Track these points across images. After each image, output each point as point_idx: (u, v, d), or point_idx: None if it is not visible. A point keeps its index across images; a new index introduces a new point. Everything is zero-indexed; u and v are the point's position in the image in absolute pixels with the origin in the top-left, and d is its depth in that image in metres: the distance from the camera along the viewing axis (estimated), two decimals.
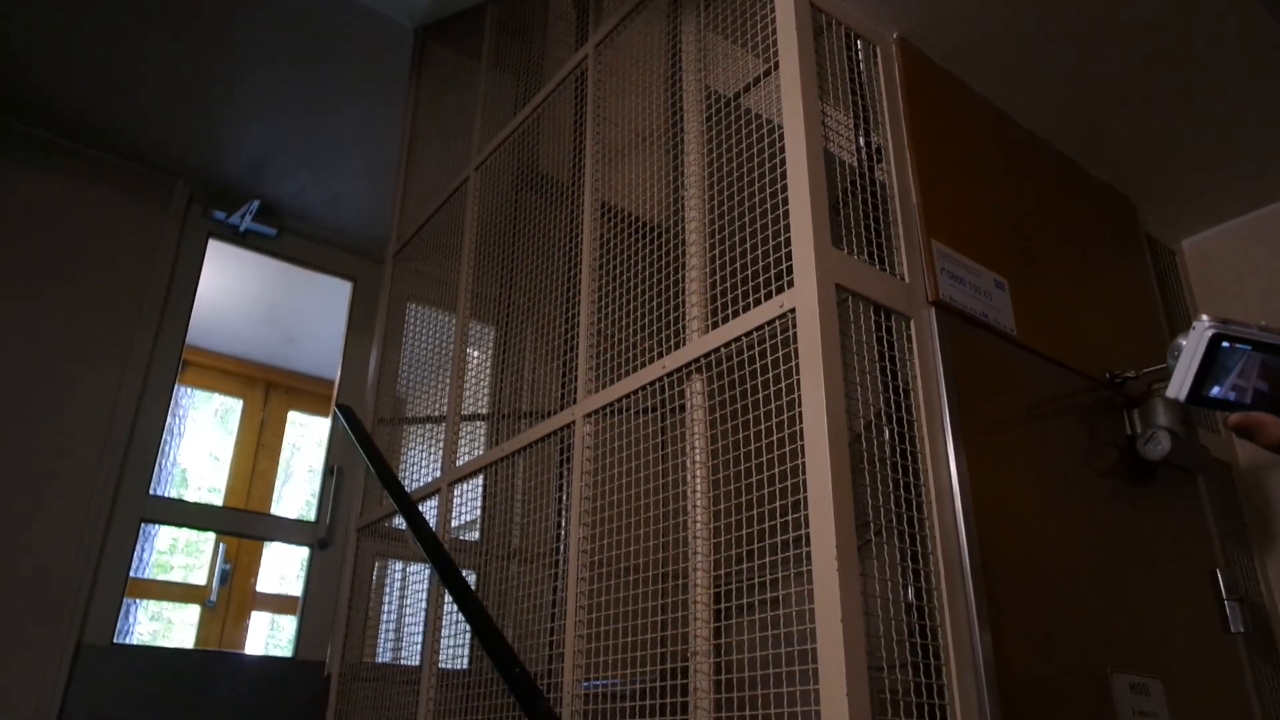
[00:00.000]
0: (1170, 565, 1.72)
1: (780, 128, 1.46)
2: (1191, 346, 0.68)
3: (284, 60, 3.03)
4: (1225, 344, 0.67)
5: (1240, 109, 1.90)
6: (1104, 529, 1.62)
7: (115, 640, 2.94)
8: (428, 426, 2.48)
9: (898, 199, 1.54)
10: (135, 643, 4.25)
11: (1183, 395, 0.68)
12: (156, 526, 4.03)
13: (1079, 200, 2.02)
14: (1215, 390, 0.68)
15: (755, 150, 1.50)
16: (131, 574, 3.07)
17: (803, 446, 1.24)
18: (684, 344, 1.53)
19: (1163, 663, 1.57)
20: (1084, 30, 1.72)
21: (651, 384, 1.58)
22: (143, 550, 4.56)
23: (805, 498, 1.21)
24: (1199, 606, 1.73)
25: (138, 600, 4.59)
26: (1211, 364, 0.67)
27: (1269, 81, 1.82)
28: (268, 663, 3.42)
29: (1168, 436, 1.70)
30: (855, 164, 1.55)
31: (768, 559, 1.28)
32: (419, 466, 2.44)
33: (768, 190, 1.45)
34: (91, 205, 3.30)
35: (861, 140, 1.58)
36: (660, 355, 1.58)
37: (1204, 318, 0.68)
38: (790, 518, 1.24)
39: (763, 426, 1.33)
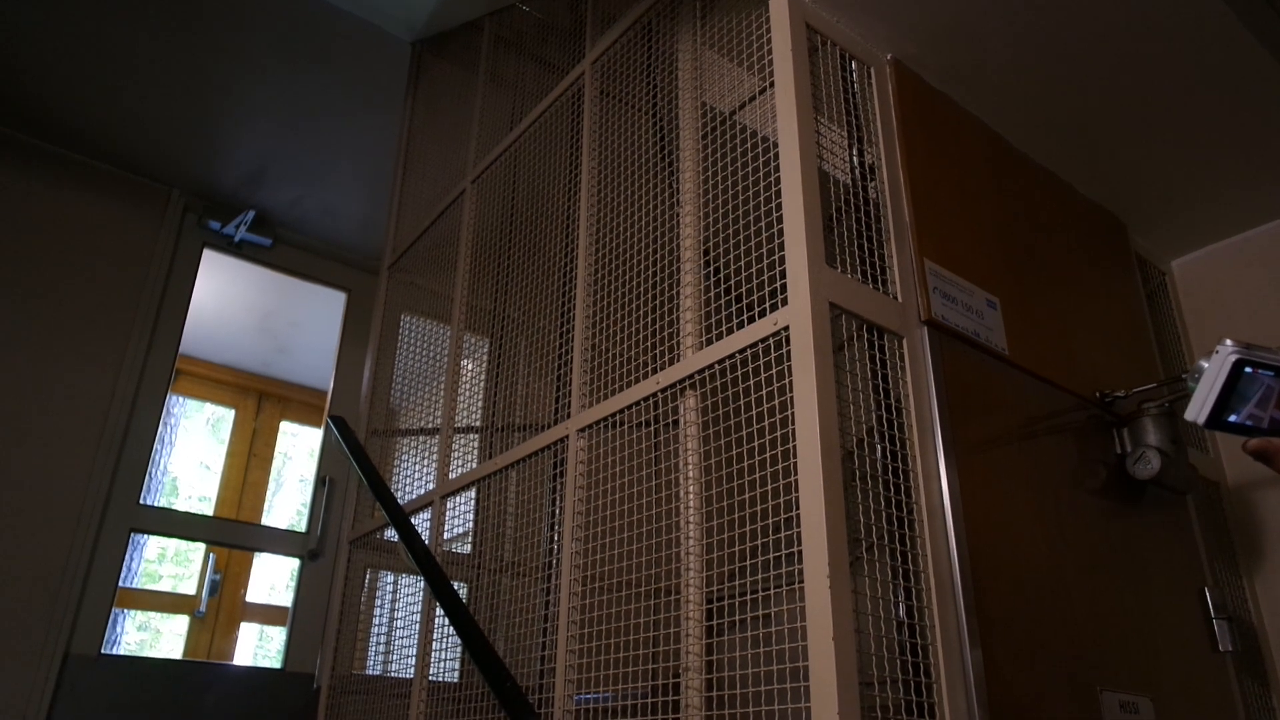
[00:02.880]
0: (1159, 583, 1.73)
1: (775, 145, 1.47)
2: (1213, 371, 0.67)
3: (281, 72, 3.04)
4: (1248, 369, 0.67)
5: (1229, 131, 1.93)
6: (1094, 547, 1.63)
7: (103, 650, 2.93)
8: (421, 438, 2.48)
9: (891, 218, 1.55)
10: (123, 653, 4.23)
11: (1202, 419, 0.68)
12: (146, 536, 4.02)
13: (1070, 221, 2.04)
14: (1233, 416, 0.67)
15: (750, 168, 1.52)
16: (120, 583, 3.06)
17: (795, 463, 1.25)
18: (678, 360, 1.54)
19: (1152, 681, 1.58)
20: (1075, 54, 1.74)
21: (645, 399, 1.59)
22: (131, 559, 4.54)
23: (797, 514, 1.22)
24: (1188, 624, 1.74)
25: (126, 610, 4.56)
26: (1232, 389, 0.67)
27: (1257, 105, 1.85)
28: (256, 674, 3.41)
29: (1157, 456, 1.72)
30: (849, 183, 1.57)
31: (760, 575, 1.29)
32: (412, 478, 2.44)
33: (762, 208, 1.46)
34: (86, 214, 3.30)
35: (856, 159, 1.60)
36: (654, 371, 1.59)
37: (1228, 342, 0.67)
38: (783, 534, 1.25)
39: (756, 443, 1.34)
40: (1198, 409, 0.68)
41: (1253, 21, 1.64)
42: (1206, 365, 0.68)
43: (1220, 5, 1.61)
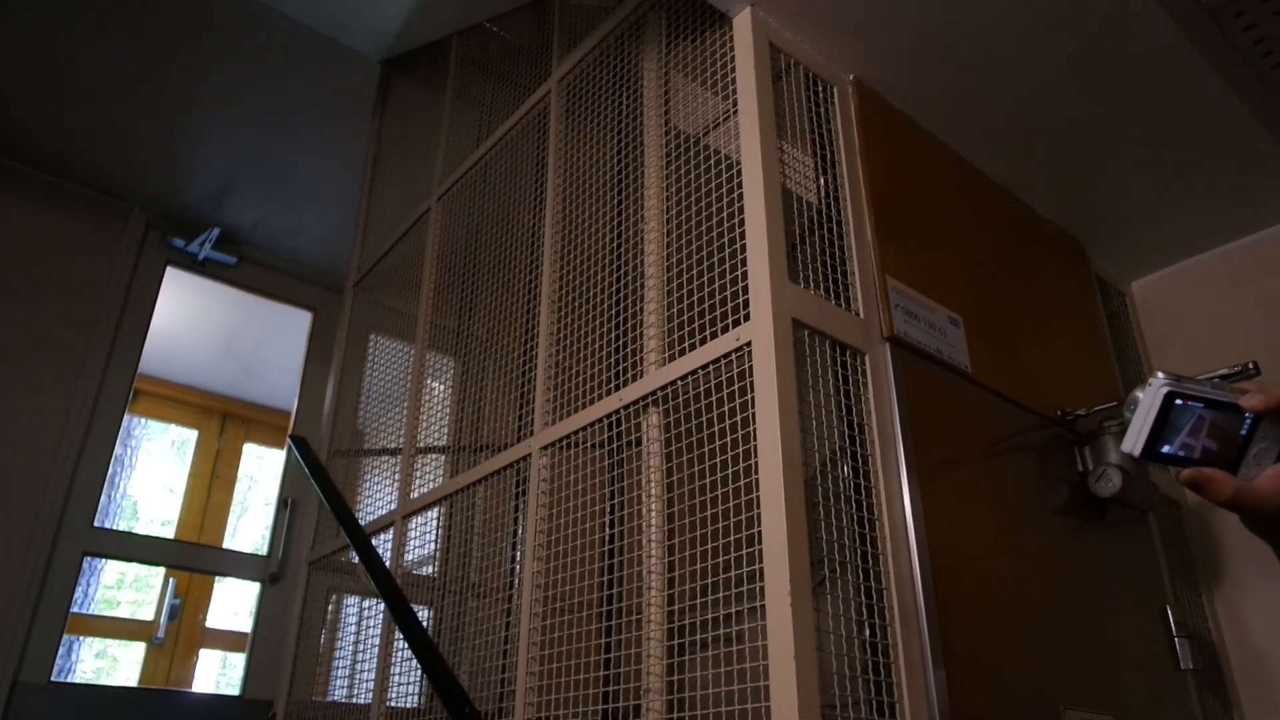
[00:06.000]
0: (1122, 602, 1.73)
1: (739, 165, 1.47)
2: (1146, 403, 0.68)
3: (247, 89, 3.02)
4: (1179, 401, 0.67)
5: (1186, 156, 1.96)
6: (1057, 565, 1.63)
7: (53, 678, 2.84)
8: (386, 459, 2.44)
9: (853, 236, 1.55)
10: (76, 681, 4.11)
11: (1137, 451, 0.68)
12: (103, 560, 3.92)
13: (1031, 242, 2.06)
14: (1167, 447, 0.68)
15: (714, 187, 1.52)
16: (76, 609, 2.98)
17: (757, 480, 1.24)
18: (641, 376, 1.52)
19: (1114, 699, 1.58)
20: (1036, 79, 1.77)
21: (608, 416, 1.57)
22: (88, 585, 4.42)
23: (759, 533, 1.21)
24: (1150, 643, 1.74)
25: (81, 637, 4.44)
26: (1165, 421, 0.67)
27: (1213, 130, 1.88)
28: (213, 702, 3.32)
29: (1118, 474, 1.73)
30: (813, 202, 1.57)
31: (722, 595, 1.27)
32: (376, 499, 2.40)
33: (726, 226, 1.46)
34: (43, 230, 3.24)
35: (820, 177, 1.60)
36: (617, 388, 1.57)
37: (1159, 375, 0.68)
38: (745, 553, 1.23)
39: (718, 460, 1.32)
40: (1133, 441, 0.68)
41: (1207, 49, 1.68)
42: (1141, 396, 0.68)
43: (1175, 33, 1.64)
